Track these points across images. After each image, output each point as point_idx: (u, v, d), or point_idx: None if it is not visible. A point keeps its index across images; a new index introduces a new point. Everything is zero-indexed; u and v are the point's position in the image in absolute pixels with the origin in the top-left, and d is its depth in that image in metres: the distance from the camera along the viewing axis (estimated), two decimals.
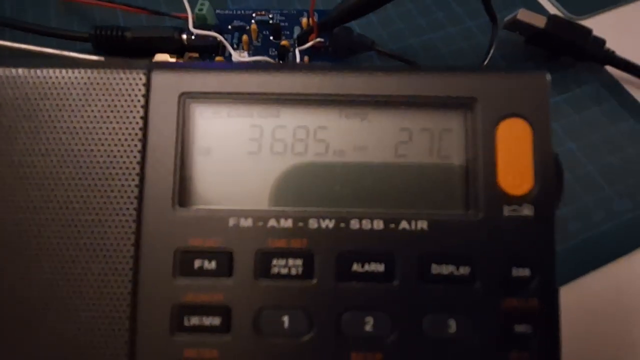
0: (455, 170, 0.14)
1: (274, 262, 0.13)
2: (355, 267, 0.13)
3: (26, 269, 0.13)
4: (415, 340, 0.13)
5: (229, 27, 0.27)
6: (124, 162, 0.13)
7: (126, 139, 0.13)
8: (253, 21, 0.27)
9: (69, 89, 0.13)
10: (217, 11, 0.28)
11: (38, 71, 0.13)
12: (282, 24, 0.27)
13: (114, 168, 0.13)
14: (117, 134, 0.13)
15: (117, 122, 0.13)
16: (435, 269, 0.13)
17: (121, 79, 0.14)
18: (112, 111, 0.13)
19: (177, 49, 0.26)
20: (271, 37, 0.27)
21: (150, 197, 0.13)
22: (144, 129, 0.13)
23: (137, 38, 0.25)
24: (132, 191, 0.13)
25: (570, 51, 0.27)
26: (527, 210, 0.13)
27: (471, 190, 0.14)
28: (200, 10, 0.26)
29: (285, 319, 0.13)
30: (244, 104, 0.14)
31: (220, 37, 0.25)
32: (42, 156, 0.13)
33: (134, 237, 0.13)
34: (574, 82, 0.27)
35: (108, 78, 0.14)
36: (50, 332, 0.13)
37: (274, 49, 0.27)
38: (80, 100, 0.13)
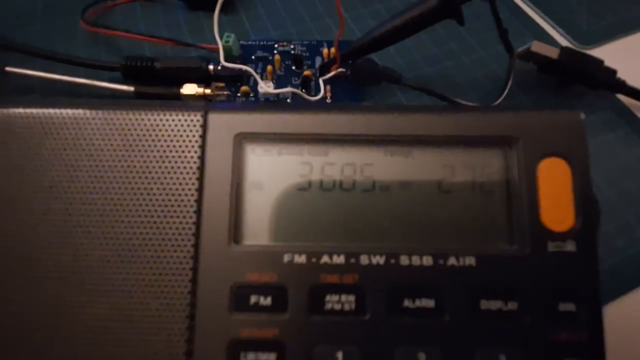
0: (498, 206, 0.15)
1: (328, 297, 0.14)
2: (407, 302, 0.14)
3: (84, 304, 0.13)
4: None
5: (253, 57, 0.28)
6: (182, 200, 0.14)
7: (184, 178, 0.14)
8: (276, 51, 0.28)
9: (129, 129, 0.14)
10: (241, 42, 0.28)
11: (100, 112, 0.14)
12: (304, 54, 0.28)
13: (172, 206, 0.14)
14: (175, 172, 0.14)
15: (176, 161, 0.14)
16: (485, 304, 0.14)
17: (179, 120, 0.14)
18: (170, 151, 0.14)
19: (203, 78, 0.26)
20: (293, 67, 0.28)
21: (207, 233, 0.14)
22: (201, 168, 0.14)
23: (166, 68, 0.26)
24: (190, 228, 0.14)
25: (582, 80, 0.28)
26: (570, 246, 0.14)
27: (515, 226, 0.14)
28: (227, 42, 0.27)
29: (339, 354, 0.13)
30: (295, 143, 0.15)
31: (248, 69, 0.26)
32: (102, 194, 0.14)
33: (192, 273, 0.13)
34: (586, 109, 0.27)
35: (167, 119, 0.14)
36: None
37: (296, 78, 0.27)
38: (140, 140, 0.14)
